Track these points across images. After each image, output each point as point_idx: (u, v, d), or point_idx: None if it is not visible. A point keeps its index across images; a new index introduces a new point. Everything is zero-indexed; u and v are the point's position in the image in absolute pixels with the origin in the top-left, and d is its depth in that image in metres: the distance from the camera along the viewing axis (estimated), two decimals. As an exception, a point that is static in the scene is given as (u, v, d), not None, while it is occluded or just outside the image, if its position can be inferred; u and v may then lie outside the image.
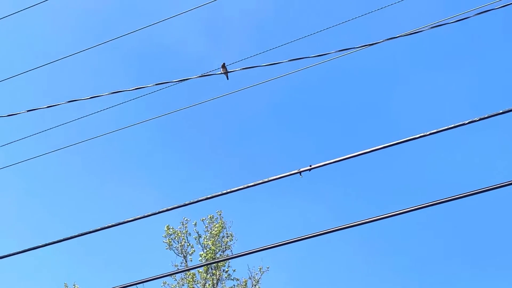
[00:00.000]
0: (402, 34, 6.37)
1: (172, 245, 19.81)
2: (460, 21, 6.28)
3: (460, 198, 5.14)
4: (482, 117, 5.23)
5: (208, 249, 19.58)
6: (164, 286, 19.33)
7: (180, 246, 19.80)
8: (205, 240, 19.83)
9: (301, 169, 5.65)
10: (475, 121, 5.28)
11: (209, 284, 19.22)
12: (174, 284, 19.29)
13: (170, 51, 30.00)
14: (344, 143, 29.09)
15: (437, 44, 27.32)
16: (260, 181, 5.79)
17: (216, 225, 19.96)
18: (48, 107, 7.65)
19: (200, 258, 19.42)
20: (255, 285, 19.20)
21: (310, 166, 5.64)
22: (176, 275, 19.21)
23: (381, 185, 30.11)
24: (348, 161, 5.65)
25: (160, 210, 6.06)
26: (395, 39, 6.40)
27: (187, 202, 6.01)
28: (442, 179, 27.96)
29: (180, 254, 19.73)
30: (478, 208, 26.25)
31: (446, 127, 5.30)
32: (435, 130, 5.33)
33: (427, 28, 6.35)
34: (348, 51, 6.97)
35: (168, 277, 18.94)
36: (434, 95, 29.62)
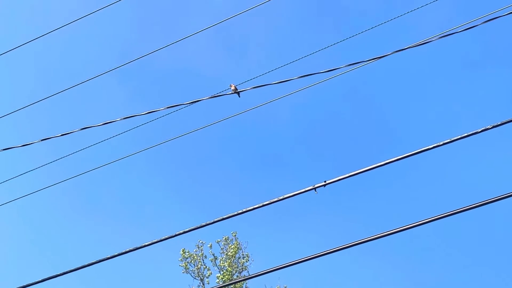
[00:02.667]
0: (411, 45, 6.37)
1: (188, 268, 19.76)
2: (469, 29, 6.28)
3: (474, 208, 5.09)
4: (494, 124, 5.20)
5: (224, 270, 19.50)
6: (183, 309, 19.29)
7: (197, 269, 19.74)
8: (221, 262, 19.77)
9: (316, 185, 5.61)
10: (488, 129, 5.26)
11: (227, 306, 19.12)
12: (192, 307, 19.22)
13: (184, 72, 30.16)
14: (358, 158, 28.97)
15: (445, 54, 27.30)
16: (275, 199, 5.76)
17: (232, 246, 19.90)
18: (62, 135, 7.70)
19: (217, 280, 19.32)
20: (273, 304, 19.05)
21: (325, 181, 5.60)
22: (194, 298, 19.16)
23: (396, 198, 29.89)
24: (363, 175, 5.62)
25: (176, 233, 6.04)
26: (404, 50, 6.40)
27: (202, 224, 5.98)
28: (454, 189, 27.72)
29: (197, 277, 19.67)
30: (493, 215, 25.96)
31: (459, 137, 5.27)
32: (448, 140, 5.31)
33: (436, 38, 6.35)
34: (358, 65, 6.97)
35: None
36: (445, 107, 29.50)
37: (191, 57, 29.34)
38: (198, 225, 5.99)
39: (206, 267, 19.85)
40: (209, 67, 30.10)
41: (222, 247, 20.07)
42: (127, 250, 6.13)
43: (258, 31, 28.79)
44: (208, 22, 7.88)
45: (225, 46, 29.36)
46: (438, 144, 5.35)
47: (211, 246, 20.09)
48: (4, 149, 7.94)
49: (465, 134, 5.27)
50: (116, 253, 6.13)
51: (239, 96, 8.15)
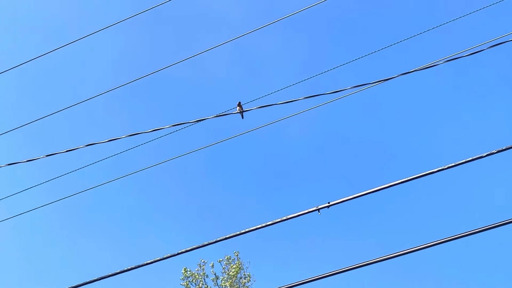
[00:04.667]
0: (417, 68, 6.38)
1: (189, 287, 19.64)
2: (474, 54, 6.29)
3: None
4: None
5: (226, 290, 19.38)
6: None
7: (198, 288, 19.64)
8: (223, 281, 19.64)
9: (319, 206, 5.59)
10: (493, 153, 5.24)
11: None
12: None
13: (197, 87, 30.28)
14: (362, 179, 28.90)
15: (449, 78, 27.34)
16: (278, 220, 5.74)
17: (234, 266, 19.79)
18: (67, 151, 7.71)
19: (218, 299, 19.21)
20: (274, 327, 18.90)
21: (329, 203, 5.58)
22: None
23: (399, 220, 29.75)
24: (366, 197, 5.60)
25: (178, 252, 6.01)
26: (411, 73, 6.41)
27: (205, 243, 5.96)
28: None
29: (198, 296, 19.55)
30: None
31: (465, 160, 5.26)
32: (454, 164, 5.29)
33: (441, 62, 6.36)
34: (363, 87, 6.99)
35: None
36: (450, 131, 29.47)
37: (204, 73, 29.46)
38: (200, 244, 5.97)
39: (207, 286, 19.73)
40: (221, 82, 30.20)
41: (224, 266, 19.97)
42: (129, 268, 6.10)
43: (273, 47, 28.93)
44: (223, 38, 7.93)
45: (239, 62, 29.50)
46: (450, 165, 5.33)
47: (212, 265, 19.99)
48: (9, 164, 7.95)
49: (470, 158, 5.26)
50: (118, 271, 6.10)
51: (242, 117, 8.18)
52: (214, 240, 5.91)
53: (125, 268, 6.11)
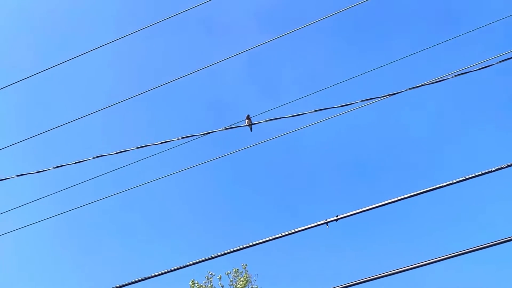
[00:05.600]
0: (427, 82, 6.38)
1: (197, 299, 19.60)
2: (483, 69, 6.28)
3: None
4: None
5: (233, 303, 19.33)
6: None
7: (205, 300, 19.58)
8: (231, 294, 19.58)
9: (328, 220, 5.59)
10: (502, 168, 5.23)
11: None
12: None
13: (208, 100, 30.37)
14: (370, 193, 28.79)
15: (459, 93, 27.28)
16: (286, 233, 5.74)
17: (242, 279, 19.72)
18: (76, 162, 7.75)
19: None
20: None
21: (337, 216, 5.57)
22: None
23: (407, 234, 29.58)
24: (375, 210, 5.59)
25: (186, 264, 6.01)
26: (419, 87, 6.41)
27: (212, 256, 5.96)
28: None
29: (205, 309, 19.49)
30: None
31: (472, 175, 5.24)
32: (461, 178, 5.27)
33: (451, 76, 6.36)
34: (372, 101, 6.99)
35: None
36: (460, 145, 29.36)
37: (214, 84, 29.56)
38: (208, 257, 5.97)
39: (215, 299, 19.68)
40: (231, 94, 30.28)
41: (231, 279, 19.89)
42: (137, 280, 6.11)
43: (284, 59, 29.02)
44: (232, 50, 7.97)
45: (249, 73, 29.58)
46: (467, 177, 5.32)
47: (220, 278, 19.93)
48: (18, 175, 7.99)
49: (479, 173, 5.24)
50: (125, 283, 6.10)
51: (251, 130, 8.20)
52: (222, 253, 5.91)
53: (133, 280, 6.12)
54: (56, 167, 7.92)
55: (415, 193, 5.39)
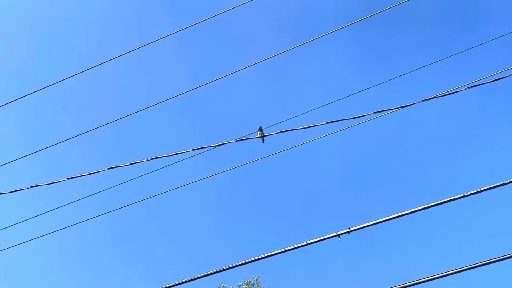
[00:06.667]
0: (439, 94, 6.36)
1: (208, 311, 19.56)
2: (496, 81, 6.26)
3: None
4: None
5: (245, 315, 19.26)
6: None
7: (217, 312, 19.55)
8: (242, 306, 19.54)
9: (340, 232, 5.56)
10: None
11: None
12: None
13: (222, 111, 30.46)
14: (382, 205, 28.63)
15: (471, 103, 27.16)
16: (298, 245, 5.72)
17: (253, 291, 19.68)
18: (88, 174, 7.78)
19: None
20: None
21: (349, 228, 5.55)
22: None
23: (421, 246, 29.33)
24: (386, 223, 5.56)
25: (197, 276, 6.00)
26: (431, 99, 6.39)
27: (224, 267, 5.94)
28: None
29: (216, 321, 19.44)
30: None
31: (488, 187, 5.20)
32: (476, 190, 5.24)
33: (464, 88, 6.34)
34: (384, 113, 6.98)
35: None
36: (474, 154, 29.18)
37: (227, 96, 29.66)
38: (220, 269, 5.95)
39: (226, 310, 19.64)
40: (243, 105, 30.33)
41: (243, 291, 19.86)
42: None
43: (297, 70, 29.06)
44: (245, 61, 8.00)
45: (262, 85, 29.64)
46: (474, 191, 5.28)
47: (232, 289, 19.91)
48: (31, 187, 8.04)
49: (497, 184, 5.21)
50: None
51: (263, 142, 8.21)
52: (234, 265, 5.89)
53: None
54: (69, 178, 7.96)
55: (428, 205, 5.36)
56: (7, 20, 28.09)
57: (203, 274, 5.95)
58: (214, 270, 5.94)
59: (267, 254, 5.80)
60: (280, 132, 7.60)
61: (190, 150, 7.71)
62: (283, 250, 5.76)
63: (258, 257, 5.86)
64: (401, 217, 5.50)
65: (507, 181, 5.13)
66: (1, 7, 27.61)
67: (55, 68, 28.55)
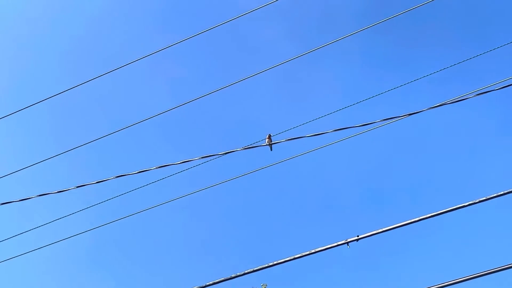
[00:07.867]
0: (447, 101, 6.34)
1: (216, 320, 19.48)
2: (505, 88, 6.23)
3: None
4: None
5: (253, 324, 19.17)
6: None
7: (225, 321, 19.47)
8: (250, 314, 19.46)
9: (349, 240, 5.54)
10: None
11: None
12: None
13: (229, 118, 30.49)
14: (391, 213, 28.50)
15: (481, 110, 27.06)
16: (307, 252, 5.70)
17: (261, 299, 19.61)
18: (96, 182, 7.80)
19: (245, 334, 19.00)
20: None
21: (358, 236, 5.53)
22: None
23: (429, 254, 29.16)
24: (395, 230, 5.54)
25: (206, 284, 6.00)
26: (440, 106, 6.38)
27: (232, 275, 5.94)
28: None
29: (224, 330, 19.37)
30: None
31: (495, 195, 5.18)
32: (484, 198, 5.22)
33: (472, 95, 6.32)
34: (392, 120, 6.97)
35: None
36: (479, 162, 29.02)
37: (235, 103, 29.68)
38: (228, 277, 5.95)
39: (234, 319, 19.57)
40: (252, 112, 30.34)
41: (251, 299, 19.79)
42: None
43: (307, 77, 29.06)
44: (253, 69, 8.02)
45: (271, 92, 29.63)
46: (483, 198, 5.26)
47: (240, 298, 19.84)
48: (39, 195, 8.07)
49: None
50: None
51: (271, 150, 8.21)
52: (242, 273, 5.89)
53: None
54: (77, 187, 7.98)
55: (436, 213, 5.34)
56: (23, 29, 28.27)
57: (211, 282, 5.94)
58: (222, 278, 5.93)
59: (275, 262, 5.79)
60: (288, 139, 7.60)
61: (198, 158, 7.72)
62: (292, 258, 5.75)
63: (266, 265, 5.85)
64: (410, 224, 5.48)
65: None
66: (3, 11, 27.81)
67: (55, 76, 28.71)
